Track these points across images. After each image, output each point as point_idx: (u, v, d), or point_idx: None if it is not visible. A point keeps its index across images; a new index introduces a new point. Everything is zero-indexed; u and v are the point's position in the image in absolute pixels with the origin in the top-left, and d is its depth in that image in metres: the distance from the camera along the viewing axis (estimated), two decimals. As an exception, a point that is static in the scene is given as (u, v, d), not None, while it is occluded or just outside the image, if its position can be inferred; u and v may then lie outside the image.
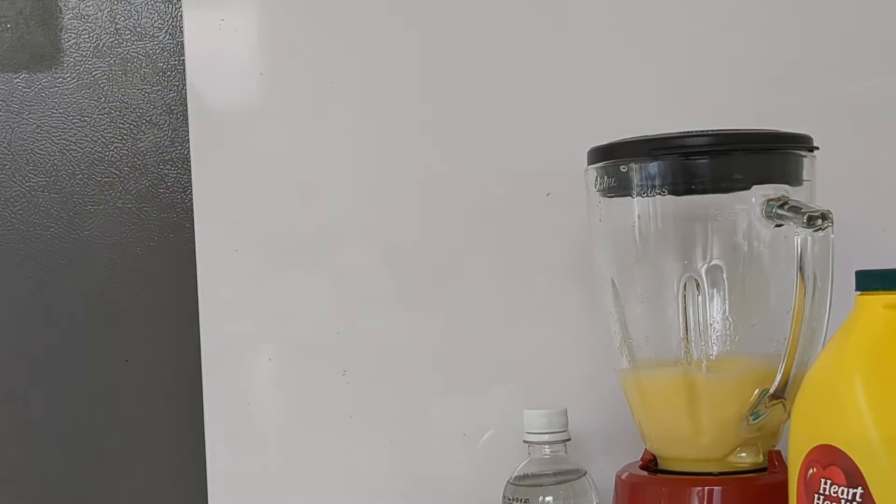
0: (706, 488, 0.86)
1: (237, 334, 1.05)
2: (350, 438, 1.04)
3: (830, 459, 0.72)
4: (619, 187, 0.89)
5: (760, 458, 0.87)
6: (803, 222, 0.82)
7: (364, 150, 1.05)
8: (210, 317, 1.05)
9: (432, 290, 1.04)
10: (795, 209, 0.83)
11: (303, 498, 1.04)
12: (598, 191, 0.91)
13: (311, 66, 1.05)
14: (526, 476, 0.94)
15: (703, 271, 0.87)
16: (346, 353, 1.05)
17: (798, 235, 0.82)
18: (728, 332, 0.88)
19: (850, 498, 0.71)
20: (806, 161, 0.89)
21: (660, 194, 0.87)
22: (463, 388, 1.04)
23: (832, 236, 0.83)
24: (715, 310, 0.87)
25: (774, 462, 0.86)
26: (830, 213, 0.82)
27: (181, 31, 1.06)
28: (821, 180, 0.90)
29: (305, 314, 1.05)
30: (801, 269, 0.83)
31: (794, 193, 0.86)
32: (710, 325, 0.87)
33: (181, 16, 1.06)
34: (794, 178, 0.88)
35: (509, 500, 0.94)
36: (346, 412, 1.04)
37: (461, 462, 1.04)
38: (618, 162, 0.88)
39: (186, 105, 1.05)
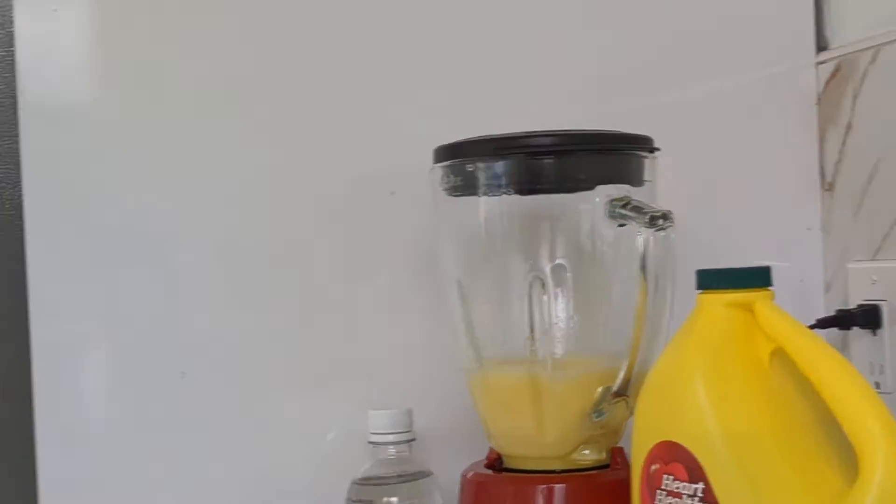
0: (550, 486, 0.87)
1: (70, 335, 1.01)
2: (190, 441, 1.02)
3: (673, 455, 0.74)
4: (464, 186, 0.89)
5: (603, 456, 0.89)
6: (645, 222, 0.83)
7: (202, 148, 1.03)
8: (41, 317, 1.01)
9: (276, 290, 1.03)
10: (638, 209, 0.85)
11: (138, 501, 1.02)
12: (444, 190, 0.91)
13: (147, 59, 1.02)
14: (370, 477, 0.93)
15: (548, 270, 0.88)
16: (185, 354, 1.02)
17: (640, 235, 0.84)
18: (572, 331, 0.88)
19: (691, 493, 0.72)
20: (647, 162, 0.90)
21: (505, 193, 0.87)
22: (306, 388, 1.03)
23: (673, 236, 0.85)
24: (560, 309, 0.88)
25: (617, 459, 0.88)
26: (671, 214, 0.83)
27: (11, 21, 1.02)
28: (662, 181, 0.91)
29: (142, 314, 1.02)
30: (643, 268, 0.84)
31: (637, 194, 0.88)
32: (555, 323, 0.88)
33: (11, 3, 1.02)
34: (636, 179, 0.89)
35: (353, 501, 0.93)
36: (186, 414, 1.01)
37: (304, 463, 1.02)
38: (464, 161, 0.89)
39: (16, 97, 1.01)
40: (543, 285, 0.88)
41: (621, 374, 0.85)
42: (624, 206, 0.85)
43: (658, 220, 0.83)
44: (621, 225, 0.86)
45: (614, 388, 0.86)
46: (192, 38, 1.02)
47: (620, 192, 0.86)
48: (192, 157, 1.03)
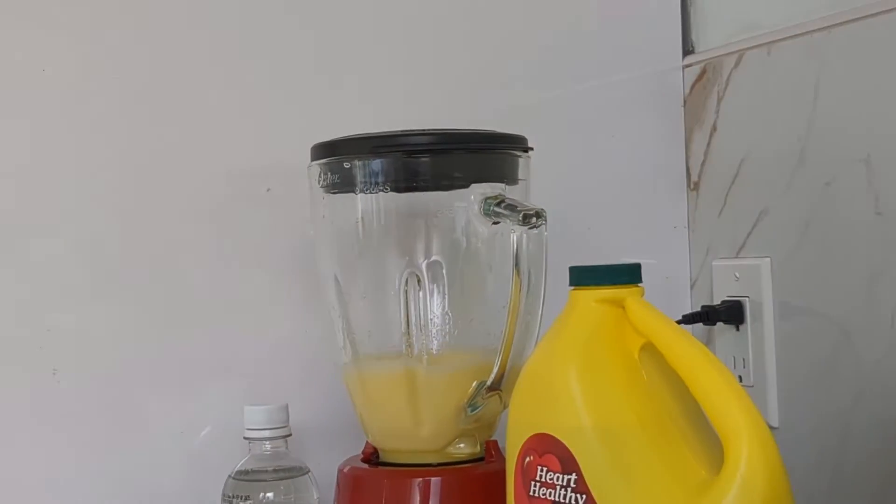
0: (426, 479, 0.88)
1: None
2: (64, 440, 1.00)
3: (546, 447, 0.75)
4: (342, 184, 0.90)
5: (478, 449, 0.90)
6: (519, 220, 0.85)
7: (71, 141, 1.01)
8: None
9: (150, 286, 1.02)
10: (511, 207, 0.86)
11: (10, 501, 1.00)
12: (321, 187, 0.91)
13: (21, 50, 1.00)
14: (246, 472, 0.93)
15: (423, 267, 0.89)
16: (56, 352, 1.00)
17: (514, 233, 0.85)
18: (447, 327, 0.90)
19: (564, 483, 0.74)
20: (521, 161, 0.92)
21: (382, 191, 0.88)
22: (180, 385, 1.02)
23: (546, 233, 0.86)
24: (435, 305, 0.89)
25: (492, 452, 0.89)
26: (544, 212, 0.85)
27: None
28: (535, 179, 0.93)
29: (4, 310, 1.00)
30: (516, 265, 0.85)
31: (511, 192, 0.89)
32: (431, 319, 0.89)
33: None
34: (510, 178, 0.91)
35: (229, 497, 0.93)
36: (58, 413, 1.00)
37: (179, 460, 1.02)
38: (341, 159, 0.89)
39: None
40: (419, 282, 0.89)
41: (495, 369, 0.87)
42: (498, 205, 0.87)
43: (531, 217, 0.85)
44: (495, 223, 0.88)
45: (488, 383, 0.87)
46: (68, 29, 1.01)
47: (495, 191, 0.88)
48: (70, 152, 1.01)
